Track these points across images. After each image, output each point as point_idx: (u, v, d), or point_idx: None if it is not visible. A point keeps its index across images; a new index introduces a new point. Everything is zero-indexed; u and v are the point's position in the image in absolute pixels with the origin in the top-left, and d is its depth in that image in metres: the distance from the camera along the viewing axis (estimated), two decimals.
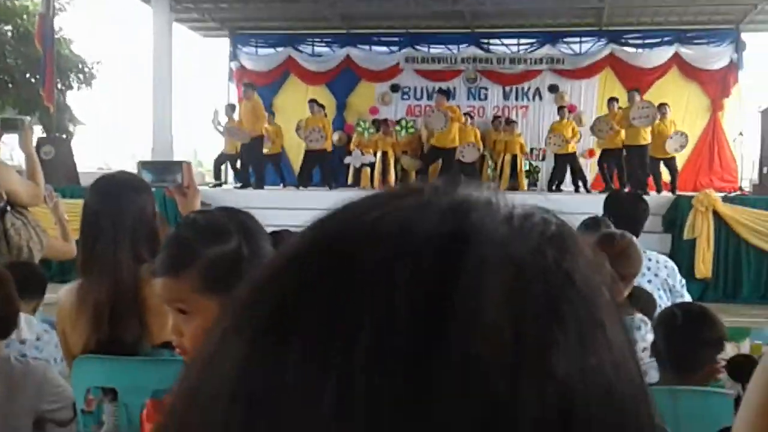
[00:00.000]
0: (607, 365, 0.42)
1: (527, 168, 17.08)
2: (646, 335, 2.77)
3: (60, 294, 2.69)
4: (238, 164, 15.53)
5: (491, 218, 0.44)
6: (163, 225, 2.75)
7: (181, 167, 2.54)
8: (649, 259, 3.82)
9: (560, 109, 16.24)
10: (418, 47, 19.11)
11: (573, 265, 0.44)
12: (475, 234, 0.43)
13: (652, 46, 18.31)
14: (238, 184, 14.95)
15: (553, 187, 15.43)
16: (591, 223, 3.42)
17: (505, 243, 0.43)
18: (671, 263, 3.96)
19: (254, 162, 15.04)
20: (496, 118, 17.65)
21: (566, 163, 15.40)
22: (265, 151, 15.50)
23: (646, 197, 12.31)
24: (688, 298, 3.90)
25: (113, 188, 2.60)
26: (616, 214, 3.98)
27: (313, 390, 0.39)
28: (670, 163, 13.97)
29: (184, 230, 1.63)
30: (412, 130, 16.27)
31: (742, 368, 1.63)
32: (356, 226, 0.45)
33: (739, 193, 14.09)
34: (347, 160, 16.78)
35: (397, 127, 16.48)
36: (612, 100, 15.31)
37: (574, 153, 15.42)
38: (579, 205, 11.62)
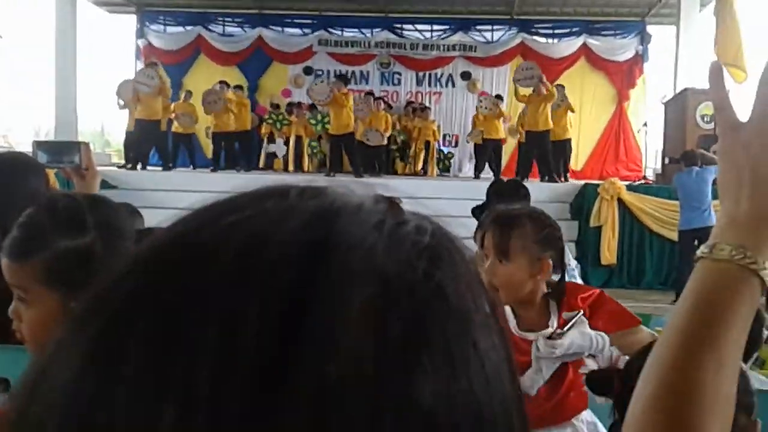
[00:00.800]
0: (477, 385, 0.39)
1: (439, 155, 17.12)
2: None
3: None
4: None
5: (359, 225, 0.40)
6: None
7: (79, 148, 2.40)
8: None
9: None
10: (331, 30, 18.98)
11: (446, 278, 0.40)
12: (338, 243, 0.39)
13: (561, 36, 18.68)
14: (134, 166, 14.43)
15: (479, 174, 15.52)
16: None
17: (372, 254, 0.39)
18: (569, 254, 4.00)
19: (160, 142, 14.65)
20: (409, 103, 17.72)
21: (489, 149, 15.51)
22: (174, 129, 15.11)
23: (555, 184, 12.69)
24: (578, 280, 3.93)
25: (2, 169, 2.43)
26: (498, 202, 4.00)
27: (149, 420, 0.34)
28: (563, 147, 14.14)
29: (40, 214, 1.47)
30: (328, 126, 16.11)
31: (602, 381, 1.65)
32: (209, 233, 0.40)
33: (643, 182, 14.50)
34: (270, 148, 16.62)
35: (312, 120, 16.29)
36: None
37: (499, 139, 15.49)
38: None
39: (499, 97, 15.97)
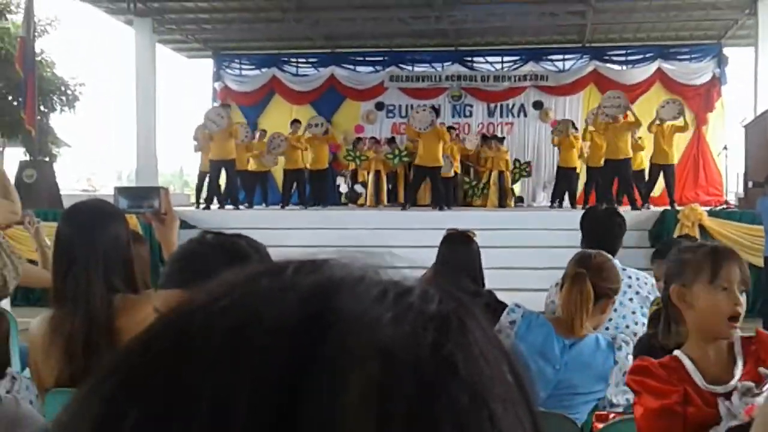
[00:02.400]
0: None
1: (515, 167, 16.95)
2: (627, 357, 2.76)
3: (32, 325, 2.61)
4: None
5: (359, 299, 0.38)
6: (139, 252, 2.68)
7: (159, 193, 2.48)
8: (629, 276, 3.76)
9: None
10: (402, 66, 19.17)
11: (457, 348, 0.38)
12: (336, 320, 0.37)
13: (635, 62, 18.45)
14: (217, 205, 14.76)
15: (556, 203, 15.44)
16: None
17: (373, 328, 0.37)
18: (652, 279, 3.90)
19: (231, 182, 14.91)
20: (485, 137, 17.67)
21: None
22: (250, 168, 15.43)
23: (632, 211, 12.45)
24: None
25: (85, 217, 2.53)
26: (591, 231, 3.93)
27: None
28: (667, 170, 13.85)
29: (197, 246, 1.59)
30: (406, 159, 16.24)
31: None
32: (199, 318, 0.38)
33: (724, 206, 14.12)
34: (341, 187, 16.89)
35: (390, 155, 16.48)
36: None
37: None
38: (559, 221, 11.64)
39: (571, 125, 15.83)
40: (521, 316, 2.88)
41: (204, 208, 14.40)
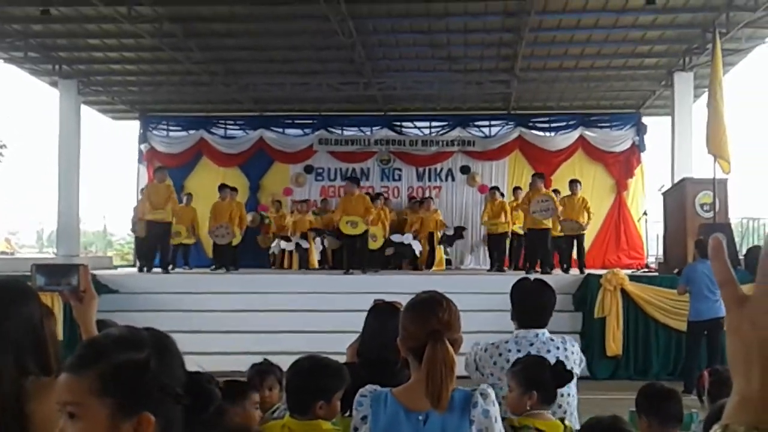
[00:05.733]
0: None
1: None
2: (486, 413, 2.52)
3: None
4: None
5: None
6: (50, 329, 2.58)
7: (78, 270, 2.42)
8: (557, 348, 3.80)
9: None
10: (331, 129, 19.31)
11: None
12: None
13: (557, 129, 18.99)
14: (144, 268, 14.55)
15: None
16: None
17: None
18: (578, 351, 3.95)
19: (165, 245, 14.73)
20: (411, 199, 17.93)
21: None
22: (176, 241, 15.28)
23: (554, 275, 12.69)
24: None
25: None
26: (522, 303, 3.96)
27: None
28: (579, 238, 14.26)
29: (99, 335, 1.61)
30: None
31: None
32: None
33: (646, 270, 14.48)
34: (274, 246, 16.79)
35: (313, 217, 16.69)
36: (516, 189, 16.40)
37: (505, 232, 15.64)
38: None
39: (495, 188, 16.22)
40: (370, 406, 2.58)
41: (145, 272, 14.23)
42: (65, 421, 1.48)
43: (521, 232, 15.11)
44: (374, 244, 14.93)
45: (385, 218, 15.46)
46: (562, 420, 3.33)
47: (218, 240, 15.15)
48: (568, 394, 3.63)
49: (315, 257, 16.23)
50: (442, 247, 16.71)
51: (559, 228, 14.34)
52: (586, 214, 14.22)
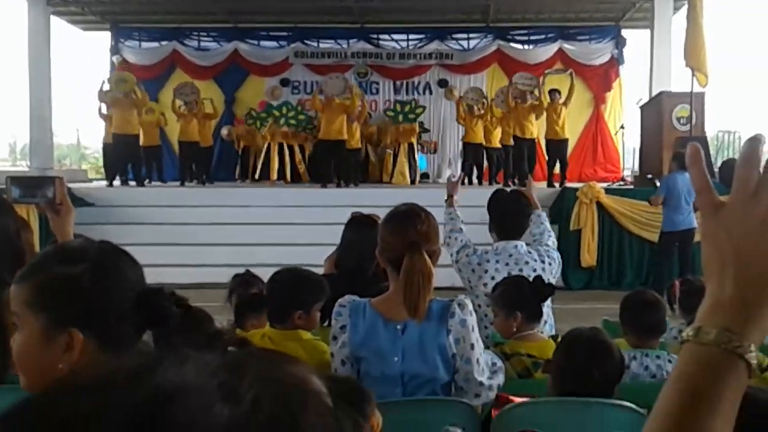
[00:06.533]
0: None
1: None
2: (463, 322, 2.57)
3: None
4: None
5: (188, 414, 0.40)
6: (27, 240, 2.57)
7: (53, 182, 2.39)
8: (535, 260, 3.85)
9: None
10: (307, 42, 18.99)
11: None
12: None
13: (537, 42, 18.80)
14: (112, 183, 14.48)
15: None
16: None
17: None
18: (555, 256, 4.00)
19: (136, 158, 14.62)
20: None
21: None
22: (142, 144, 15.05)
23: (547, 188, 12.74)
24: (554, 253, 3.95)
25: None
26: (499, 213, 4.00)
27: None
28: (560, 148, 14.19)
29: (46, 249, 1.59)
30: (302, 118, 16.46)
31: None
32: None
33: (621, 183, 14.60)
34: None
35: (292, 121, 16.54)
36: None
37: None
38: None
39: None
40: (348, 316, 2.61)
41: (108, 185, 14.06)
42: (15, 332, 1.50)
43: (498, 145, 15.09)
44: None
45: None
46: (554, 338, 3.37)
47: (181, 98, 15.17)
48: (547, 305, 3.69)
49: (288, 168, 16.20)
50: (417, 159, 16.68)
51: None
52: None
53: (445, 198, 4.15)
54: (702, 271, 0.83)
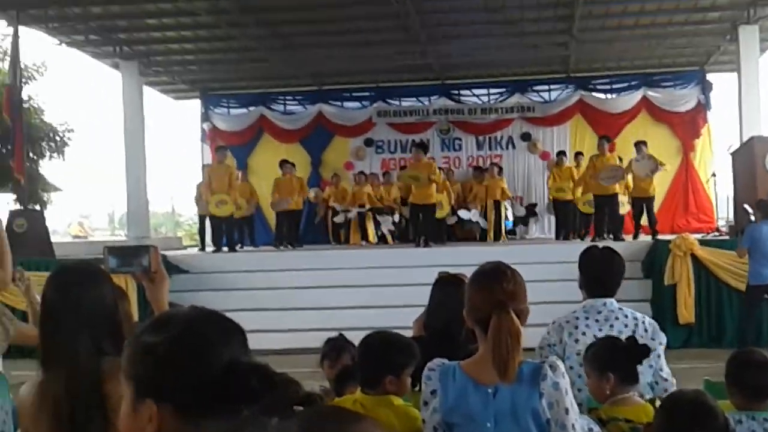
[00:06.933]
0: None
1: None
2: (556, 385, 2.47)
3: (21, 390, 2.56)
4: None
5: None
6: (125, 310, 2.65)
7: (149, 251, 2.46)
8: (626, 316, 3.73)
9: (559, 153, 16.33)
10: (389, 101, 19.26)
11: None
12: None
13: (619, 90, 18.59)
14: (212, 249, 14.71)
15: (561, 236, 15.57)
16: None
17: None
18: (652, 323, 3.83)
19: (228, 231, 14.85)
20: (475, 168, 17.75)
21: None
22: (237, 214, 15.42)
23: (623, 242, 12.50)
24: (665, 368, 3.74)
25: (70, 280, 2.50)
26: (590, 271, 3.89)
27: None
28: (648, 204, 13.95)
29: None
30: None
31: None
32: None
33: (716, 234, 14.14)
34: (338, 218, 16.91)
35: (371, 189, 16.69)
36: (578, 154, 16.12)
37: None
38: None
39: (562, 152, 16.05)
40: (438, 380, 2.56)
41: (214, 251, 14.38)
42: None
43: (584, 209, 14.98)
44: (440, 212, 14.90)
45: (449, 189, 15.42)
46: (652, 402, 3.24)
47: (276, 208, 15.34)
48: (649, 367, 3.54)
49: (372, 232, 16.24)
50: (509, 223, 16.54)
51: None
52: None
53: None
54: None
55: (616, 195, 13.85)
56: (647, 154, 13.67)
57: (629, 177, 13.95)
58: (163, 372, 1.41)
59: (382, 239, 16.42)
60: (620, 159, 14.60)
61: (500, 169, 16.94)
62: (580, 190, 14.98)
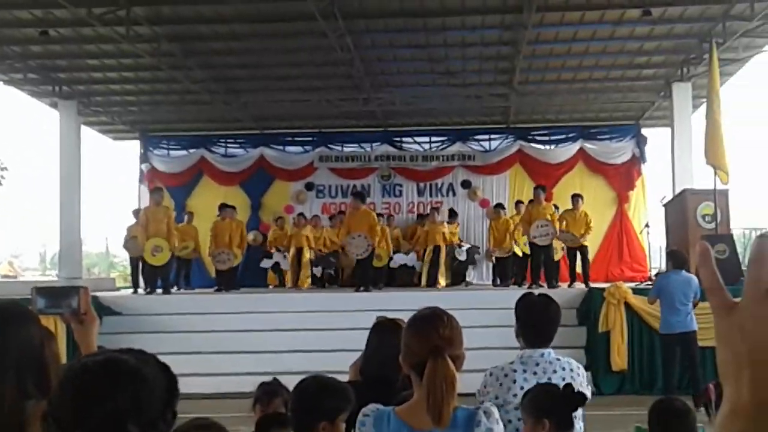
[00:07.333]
0: None
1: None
2: None
3: None
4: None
5: None
6: (52, 351, 2.57)
7: (78, 292, 2.41)
8: (563, 368, 3.75)
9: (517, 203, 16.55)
10: (331, 146, 19.32)
11: None
12: None
13: (557, 142, 18.99)
14: (147, 290, 14.42)
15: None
16: None
17: None
18: (586, 375, 3.88)
19: (164, 273, 14.59)
20: (419, 216, 17.89)
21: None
22: (183, 254, 15.20)
23: (558, 289, 12.67)
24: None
25: None
26: (527, 319, 3.91)
27: None
28: (582, 251, 14.23)
29: (79, 371, 1.51)
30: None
31: None
32: None
33: (649, 283, 14.40)
34: (269, 262, 16.77)
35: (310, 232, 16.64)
36: (518, 203, 16.40)
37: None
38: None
39: (500, 206, 16.25)
40: (373, 426, 2.54)
41: (147, 293, 14.07)
42: None
43: (521, 252, 15.28)
44: (378, 263, 14.90)
45: (388, 237, 15.41)
46: None
47: (220, 266, 15.17)
48: (579, 416, 3.57)
49: (306, 276, 16.04)
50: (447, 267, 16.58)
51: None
52: (584, 229, 14.17)
53: None
54: (719, 374, 0.80)
55: (551, 244, 14.11)
56: (546, 221, 13.98)
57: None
58: (105, 411, 1.42)
59: (318, 282, 16.30)
60: (556, 207, 14.89)
61: (455, 213, 17.09)
62: (520, 232, 15.14)
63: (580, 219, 14.19)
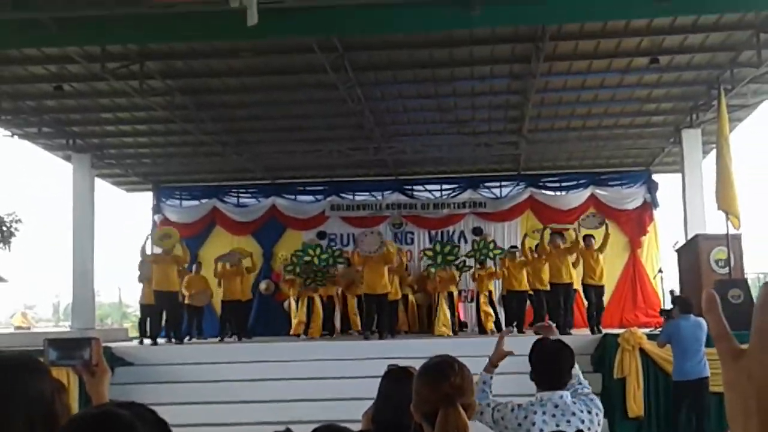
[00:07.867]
0: None
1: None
2: None
3: None
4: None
5: None
6: (63, 403, 2.57)
7: (90, 343, 2.41)
8: (581, 411, 3.73)
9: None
10: (342, 195, 19.42)
11: None
12: None
13: (568, 188, 19.03)
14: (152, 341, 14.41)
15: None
16: None
17: None
18: (601, 412, 3.87)
19: (174, 316, 14.68)
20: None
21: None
22: (188, 302, 15.24)
23: (571, 335, 12.54)
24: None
25: (5, 372, 2.43)
26: (541, 365, 3.91)
27: None
28: (598, 292, 14.04)
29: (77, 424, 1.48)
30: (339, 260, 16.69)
31: None
32: None
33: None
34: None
35: (323, 254, 16.66)
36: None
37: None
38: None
39: (514, 247, 16.17)
40: None
41: (152, 344, 14.05)
42: None
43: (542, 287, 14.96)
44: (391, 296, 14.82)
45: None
46: None
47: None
48: None
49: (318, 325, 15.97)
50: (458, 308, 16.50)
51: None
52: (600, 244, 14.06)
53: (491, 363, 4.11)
54: (726, 421, 0.81)
55: (570, 284, 13.90)
56: (592, 212, 14.01)
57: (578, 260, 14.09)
58: None
59: (330, 330, 16.23)
60: (575, 231, 14.70)
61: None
62: (543, 262, 14.73)
63: (595, 255, 14.04)
